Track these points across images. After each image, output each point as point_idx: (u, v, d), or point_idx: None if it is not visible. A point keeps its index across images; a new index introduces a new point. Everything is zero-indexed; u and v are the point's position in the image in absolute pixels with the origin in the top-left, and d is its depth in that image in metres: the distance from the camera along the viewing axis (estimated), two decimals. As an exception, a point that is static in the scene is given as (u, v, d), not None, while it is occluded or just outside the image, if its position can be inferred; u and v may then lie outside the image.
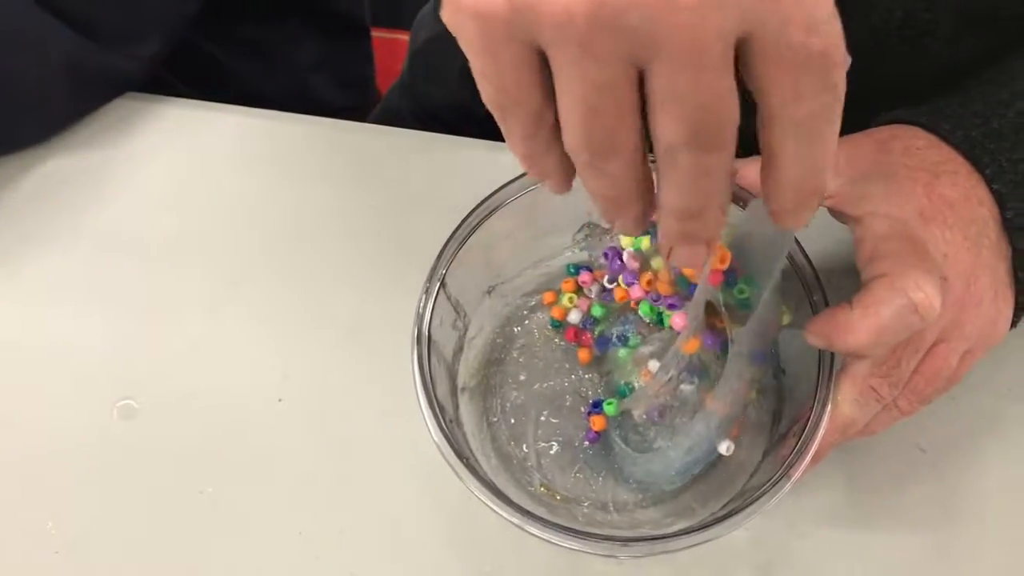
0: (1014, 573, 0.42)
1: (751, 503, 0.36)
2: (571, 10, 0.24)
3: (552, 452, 0.43)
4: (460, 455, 0.37)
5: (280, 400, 0.47)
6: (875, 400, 0.38)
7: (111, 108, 0.56)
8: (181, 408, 0.47)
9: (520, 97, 0.27)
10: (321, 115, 0.57)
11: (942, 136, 0.40)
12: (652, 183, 0.28)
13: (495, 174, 0.43)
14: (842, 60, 0.26)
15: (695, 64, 0.24)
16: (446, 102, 0.67)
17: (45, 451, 0.46)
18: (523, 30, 0.25)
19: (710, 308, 0.40)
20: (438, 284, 0.41)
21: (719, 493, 0.41)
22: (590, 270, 0.45)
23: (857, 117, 0.40)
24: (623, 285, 0.43)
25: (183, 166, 0.55)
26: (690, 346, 0.39)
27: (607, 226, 0.45)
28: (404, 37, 0.78)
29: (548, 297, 0.46)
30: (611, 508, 0.42)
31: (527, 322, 0.46)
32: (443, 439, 0.38)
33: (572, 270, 0.45)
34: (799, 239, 0.40)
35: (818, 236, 0.43)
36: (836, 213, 0.40)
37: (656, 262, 0.41)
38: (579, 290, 0.45)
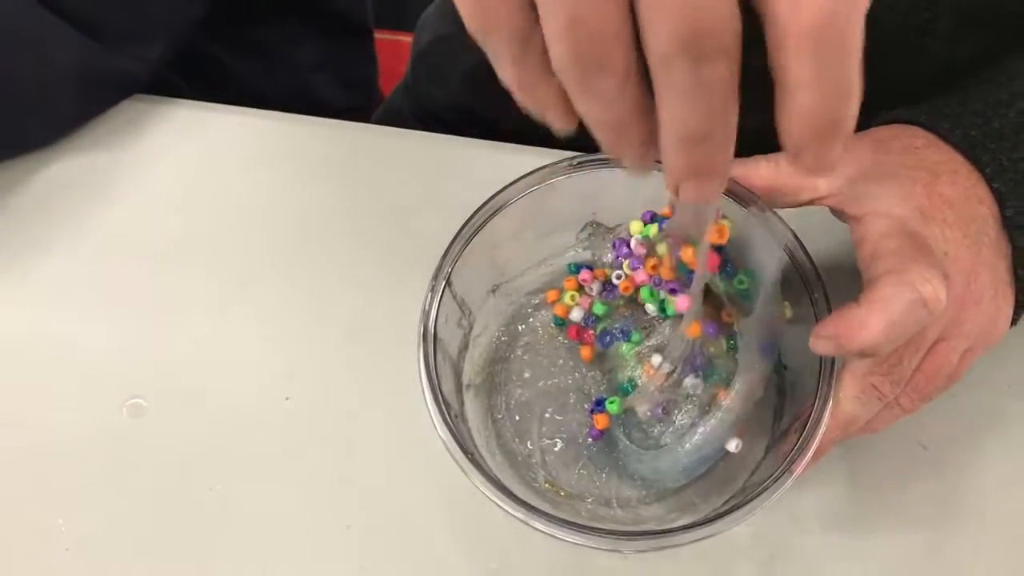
0: (1014, 570, 0.42)
1: (753, 499, 0.36)
2: None
3: (556, 449, 0.44)
4: (466, 452, 0.38)
5: (287, 399, 0.47)
6: (877, 398, 0.38)
7: (117, 110, 0.57)
8: (189, 407, 0.47)
9: (501, 17, 0.25)
10: (324, 116, 0.57)
11: (941, 135, 0.40)
12: (653, 108, 0.26)
13: (498, 174, 0.44)
14: None
15: None
16: (449, 103, 0.68)
17: (55, 450, 0.46)
18: None
19: (715, 299, 0.40)
20: (444, 283, 0.41)
21: (721, 489, 0.41)
22: (591, 269, 0.45)
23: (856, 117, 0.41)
24: (628, 271, 0.43)
25: (189, 168, 0.55)
26: (693, 330, 0.39)
27: (610, 225, 0.46)
28: (407, 39, 0.79)
29: (552, 295, 0.46)
30: (614, 504, 0.42)
31: (531, 320, 0.47)
32: (449, 435, 0.38)
33: (573, 268, 0.46)
34: (800, 236, 0.41)
35: (819, 235, 0.43)
36: (836, 212, 0.40)
37: (661, 248, 0.42)
38: (581, 288, 0.46)
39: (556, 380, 0.45)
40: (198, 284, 0.51)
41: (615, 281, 0.44)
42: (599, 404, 0.43)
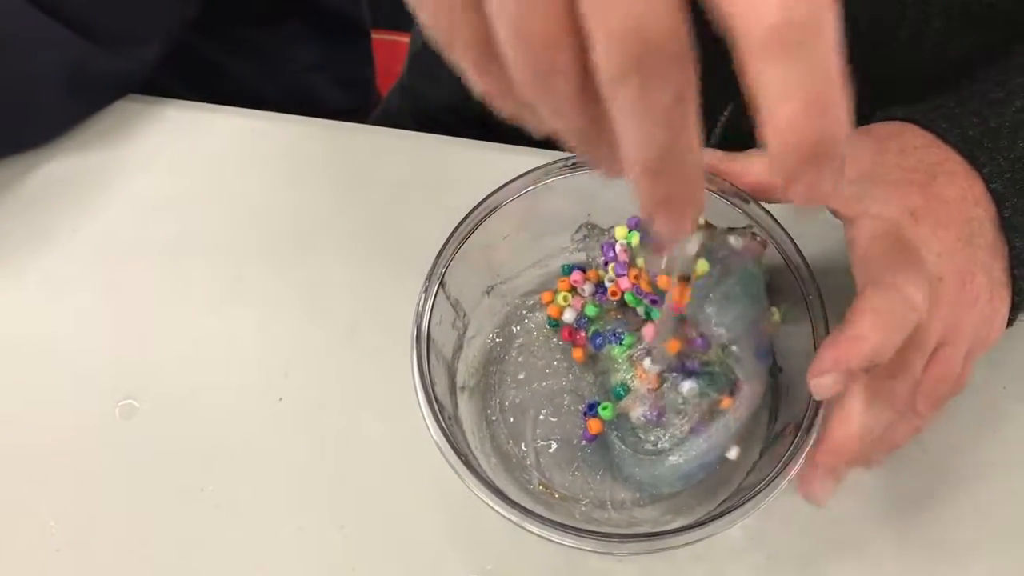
0: (1014, 569, 0.42)
1: (748, 501, 0.36)
2: None
3: (551, 451, 0.44)
4: (459, 453, 0.38)
5: (280, 399, 0.47)
6: (887, 403, 0.36)
7: (112, 110, 0.56)
8: (182, 407, 0.47)
9: (460, 29, 0.24)
10: (321, 116, 0.57)
11: (939, 135, 0.40)
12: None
13: (494, 175, 0.43)
14: None
15: None
16: (445, 104, 0.67)
17: (47, 450, 0.46)
18: None
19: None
20: (437, 284, 0.41)
21: (716, 491, 0.41)
22: (583, 270, 0.45)
23: (852, 116, 0.41)
24: (614, 275, 0.43)
25: (184, 167, 0.55)
26: (671, 347, 0.39)
27: (604, 226, 0.46)
28: (404, 39, 0.79)
29: (546, 296, 0.46)
30: (609, 506, 0.42)
31: (526, 321, 0.47)
32: (442, 437, 0.38)
33: (566, 270, 0.46)
34: (794, 238, 0.41)
35: (814, 236, 0.43)
36: (831, 209, 0.40)
37: (640, 261, 0.42)
38: (574, 289, 0.45)
39: (551, 382, 0.45)
40: (192, 285, 0.51)
41: (607, 284, 0.44)
42: (591, 408, 0.43)
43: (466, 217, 0.42)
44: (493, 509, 0.37)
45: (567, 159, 0.43)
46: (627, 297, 0.43)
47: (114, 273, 0.51)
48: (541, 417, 0.44)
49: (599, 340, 0.44)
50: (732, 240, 0.40)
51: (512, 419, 0.44)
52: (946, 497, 0.43)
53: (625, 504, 0.42)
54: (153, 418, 0.47)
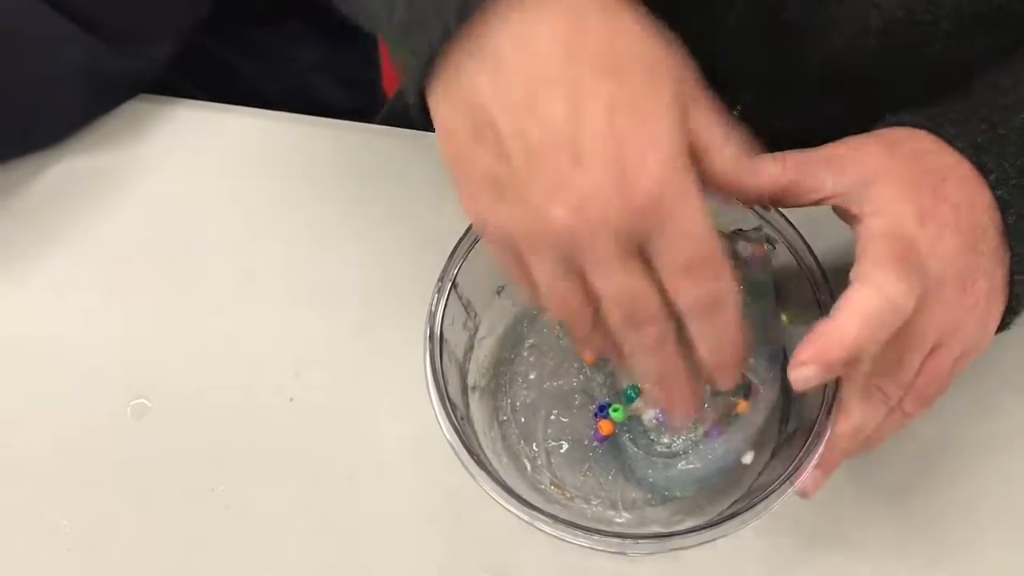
0: (1014, 569, 0.42)
1: (759, 502, 0.37)
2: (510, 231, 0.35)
3: (562, 451, 0.44)
4: (472, 453, 0.38)
5: (292, 399, 0.47)
6: (881, 400, 0.38)
7: (122, 110, 0.56)
8: (193, 407, 0.47)
9: (577, 314, 0.35)
10: (326, 117, 0.57)
11: (948, 140, 0.40)
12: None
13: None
14: (717, 254, 0.32)
15: (597, 264, 0.32)
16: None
17: (59, 450, 0.46)
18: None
19: None
20: (450, 284, 0.41)
21: (727, 491, 0.41)
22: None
23: (862, 119, 0.41)
24: None
25: (194, 167, 0.55)
26: None
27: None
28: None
29: (557, 297, 0.46)
30: (620, 506, 0.42)
31: (537, 322, 0.47)
32: (456, 437, 0.38)
33: None
34: (806, 239, 0.41)
35: (826, 235, 0.43)
36: (840, 211, 0.40)
37: None
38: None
39: (561, 382, 0.45)
40: (203, 284, 0.51)
41: None
42: (602, 409, 0.43)
43: (478, 218, 0.42)
44: (505, 508, 0.37)
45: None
46: None
47: (125, 271, 0.51)
48: (552, 417, 0.44)
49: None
50: (740, 248, 0.40)
51: (523, 419, 0.45)
52: (946, 497, 0.44)
53: (636, 504, 0.42)
54: (164, 418, 0.47)
